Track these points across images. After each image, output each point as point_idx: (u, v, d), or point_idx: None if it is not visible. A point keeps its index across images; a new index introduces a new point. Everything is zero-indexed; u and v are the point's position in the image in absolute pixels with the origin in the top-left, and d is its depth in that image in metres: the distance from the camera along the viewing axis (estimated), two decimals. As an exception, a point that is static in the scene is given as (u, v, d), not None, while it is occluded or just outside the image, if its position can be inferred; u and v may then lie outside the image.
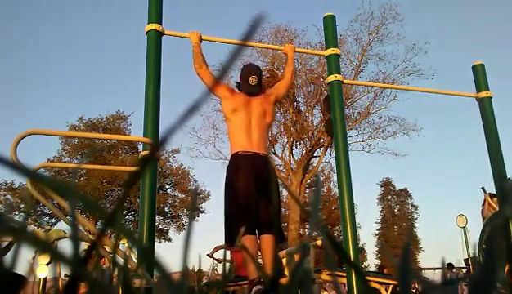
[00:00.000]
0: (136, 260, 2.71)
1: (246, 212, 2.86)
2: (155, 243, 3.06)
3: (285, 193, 22.79)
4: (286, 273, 4.26)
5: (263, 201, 2.94)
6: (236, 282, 5.99)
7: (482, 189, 5.63)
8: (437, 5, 40.00)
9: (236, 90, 3.34)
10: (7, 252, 0.30)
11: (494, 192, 4.06)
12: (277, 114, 17.77)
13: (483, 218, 5.58)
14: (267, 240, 2.91)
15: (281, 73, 3.83)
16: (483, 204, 5.63)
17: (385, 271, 11.46)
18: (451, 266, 10.63)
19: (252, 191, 2.92)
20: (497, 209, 5.23)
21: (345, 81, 3.81)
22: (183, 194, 21.14)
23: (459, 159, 44.09)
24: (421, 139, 31.31)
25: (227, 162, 3.19)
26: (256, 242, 2.90)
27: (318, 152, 17.84)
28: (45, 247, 0.26)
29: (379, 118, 17.45)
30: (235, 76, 15.87)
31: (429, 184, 43.47)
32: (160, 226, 20.82)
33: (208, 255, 7.97)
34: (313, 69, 17.22)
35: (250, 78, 3.26)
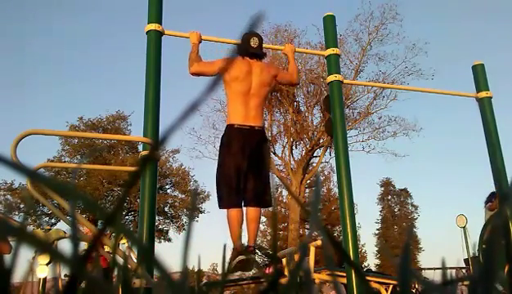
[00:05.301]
0: (136, 260, 2.71)
1: (234, 185, 3.04)
2: (155, 243, 3.06)
3: (285, 193, 22.83)
4: (286, 273, 4.26)
5: (253, 175, 3.10)
6: (236, 282, 6.00)
7: None
8: (438, 4, 40.00)
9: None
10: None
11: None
12: (277, 114, 17.79)
13: (490, 210, 5.35)
14: (252, 212, 3.09)
15: (287, 69, 3.82)
16: (494, 199, 5.36)
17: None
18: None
19: (242, 166, 3.06)
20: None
21: (345, 81, 3.81)
22: (183, 194, 21.12)
23: (459, 159, 44.09)
24: (421, 139, 31.42)
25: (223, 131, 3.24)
26: (241, 214, 3.08)
27: (318, 152, 17.86)
28: (45, 247, 0.26)
29: (379, 118, 17.49)
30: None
31: (429, 184, 43.41)
32: (160, 226, 20.80)
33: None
34: (313, 68, 17.21)
35: (251, 40, 3.24)
